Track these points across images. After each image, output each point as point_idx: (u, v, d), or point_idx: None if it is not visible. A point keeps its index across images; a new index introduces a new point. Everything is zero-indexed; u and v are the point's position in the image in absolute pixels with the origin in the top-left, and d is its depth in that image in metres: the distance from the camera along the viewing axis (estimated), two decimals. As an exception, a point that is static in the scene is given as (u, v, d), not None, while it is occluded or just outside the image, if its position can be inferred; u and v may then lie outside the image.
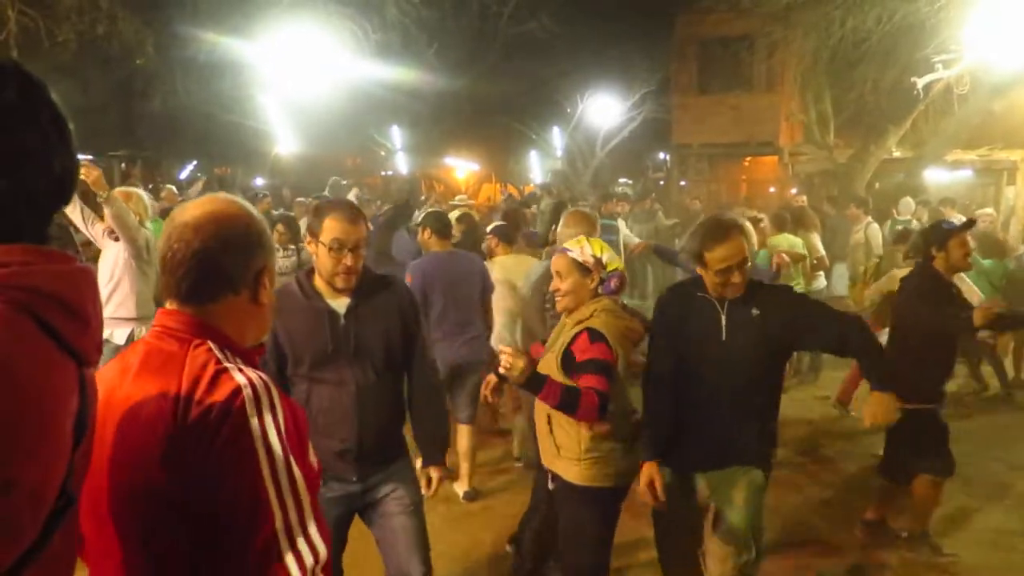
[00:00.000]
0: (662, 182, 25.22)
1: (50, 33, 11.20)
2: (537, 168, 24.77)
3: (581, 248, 3.24)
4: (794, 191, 16.31)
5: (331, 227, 2.77)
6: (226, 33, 13.19)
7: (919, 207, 11.26)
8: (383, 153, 24.50)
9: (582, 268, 3.21)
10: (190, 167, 23.90)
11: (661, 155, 26.17)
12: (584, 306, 3.19)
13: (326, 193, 10.13)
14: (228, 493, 1.39)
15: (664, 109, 21.63)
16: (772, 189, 21.58)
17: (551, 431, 3.26)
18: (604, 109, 20.32)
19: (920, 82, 11.37)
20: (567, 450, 3.20)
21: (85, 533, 1.49)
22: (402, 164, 24.94)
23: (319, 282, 2.87)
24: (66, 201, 1.13)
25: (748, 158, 23.47)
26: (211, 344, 1.51)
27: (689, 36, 21.22)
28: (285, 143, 18.58)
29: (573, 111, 20.85)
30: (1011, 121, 14.87)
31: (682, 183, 22.90)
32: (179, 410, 1.40)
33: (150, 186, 21.54)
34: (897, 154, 16.49)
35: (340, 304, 2.85)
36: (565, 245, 3.33)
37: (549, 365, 3.15)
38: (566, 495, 3.27)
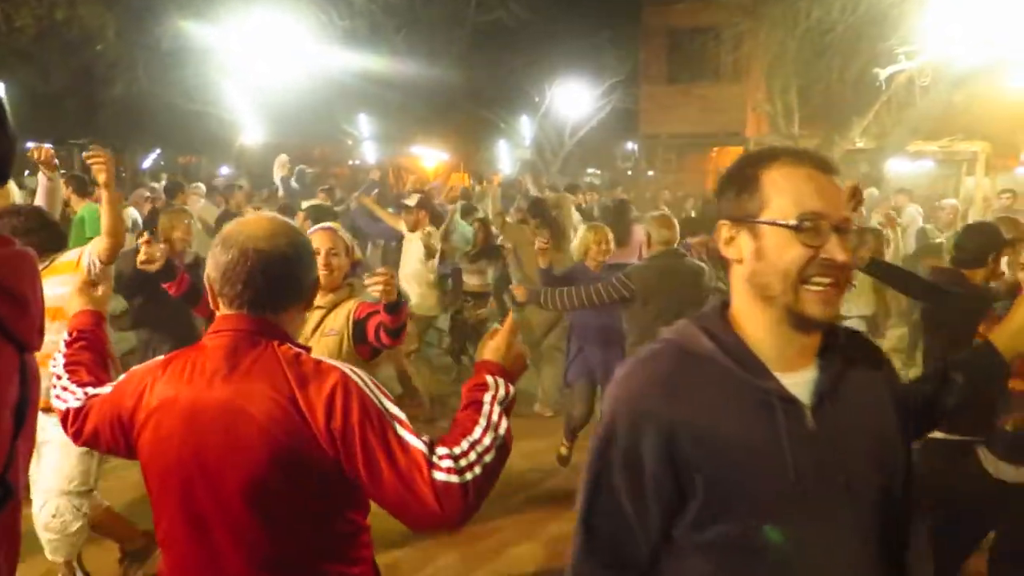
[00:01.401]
0: (630, 172, 25.34)
1: (8, 18, 10.99)
2: (506, 158, 24.71)
3: (344, 233, 3.46)
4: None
5: (790, 186, 1.32)
6: (190, 19, 13.01)
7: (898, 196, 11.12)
8: (350, 142, 24.29)
9: (347, 251, 3.35)
10: (153, 156, 23.52)
11: (629, 145, 26.27)
12: (340, 288, 3.27)
13: (294, 184, 9.99)
14: (368, 449, 1.49)
15: (632, 99, 21.69)
16: (739, 179, 21.74)
17: None
18: (573, 98, 20.31)
19: (883, 73, 11.54)
20: None
21: (180, 536, 1.59)
22: (370, 153, 24.75)
23: (750, 331, 1.39)
24: (3, 183, 1.11)
25: (715, 148, 23.65)
26: (290, 343, 1.62)
27: (657, 26, 21.32)
28: (251, 132, 18.34)
29: (542, 100, 20.81)
30: (971, 113, 15.11)
31: (650, 173, 23.02)
32: (300, 403, 1.51)
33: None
34: (860, 145, 16.71)
35: (799, 383, 1.37)
36: (330, 225, 3.48)
37: (328, 347, 3.17)
38: None
